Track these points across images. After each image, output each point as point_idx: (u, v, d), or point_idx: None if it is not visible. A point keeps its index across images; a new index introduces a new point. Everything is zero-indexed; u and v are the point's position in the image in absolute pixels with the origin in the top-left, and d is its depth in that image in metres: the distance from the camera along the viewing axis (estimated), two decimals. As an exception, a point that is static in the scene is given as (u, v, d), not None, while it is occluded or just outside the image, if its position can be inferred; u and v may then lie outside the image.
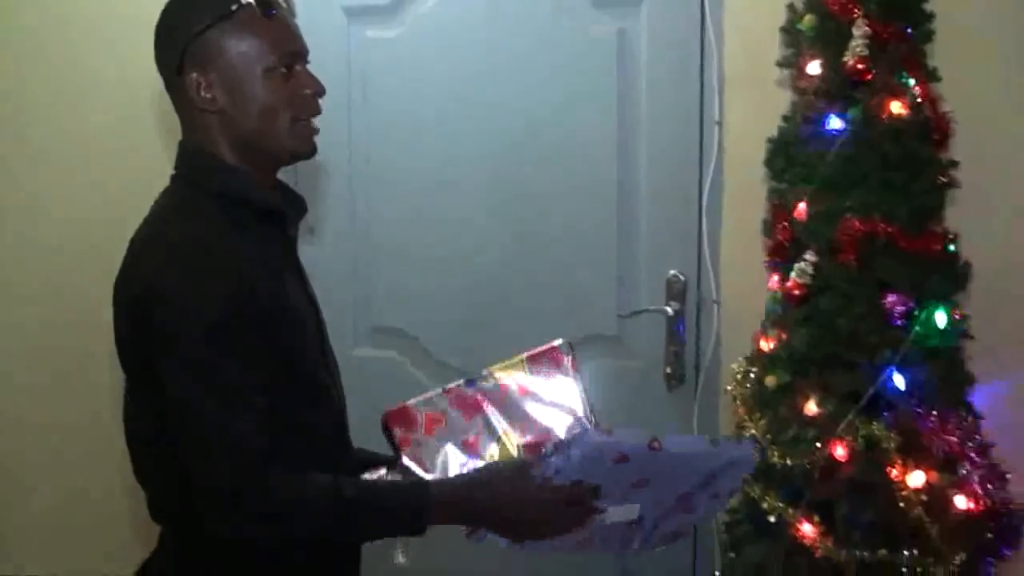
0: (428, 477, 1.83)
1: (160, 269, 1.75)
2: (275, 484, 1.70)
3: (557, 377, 1.92)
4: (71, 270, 3.43)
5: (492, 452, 1.84)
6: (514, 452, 1.85)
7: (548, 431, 1.88)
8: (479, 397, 1.88)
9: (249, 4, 1.82)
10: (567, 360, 1.94)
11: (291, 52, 1.86)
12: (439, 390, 1.89)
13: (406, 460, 1.83)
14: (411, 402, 1.88)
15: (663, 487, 1.81)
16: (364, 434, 2.03)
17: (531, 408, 1.89)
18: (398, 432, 1.84)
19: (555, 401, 1.90)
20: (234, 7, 1.81)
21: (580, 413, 1.90)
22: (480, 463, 1.85)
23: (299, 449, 1.84)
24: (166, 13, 1.87)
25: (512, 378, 1.90)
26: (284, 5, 1.89)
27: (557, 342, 1.95)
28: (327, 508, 1.72)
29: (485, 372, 1.91)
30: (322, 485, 1.73)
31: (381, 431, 1.92)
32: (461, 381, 1.90)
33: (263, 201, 1.88)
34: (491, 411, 1.87)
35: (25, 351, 3.60)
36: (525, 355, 1.93)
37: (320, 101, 1.91)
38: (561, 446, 1.71)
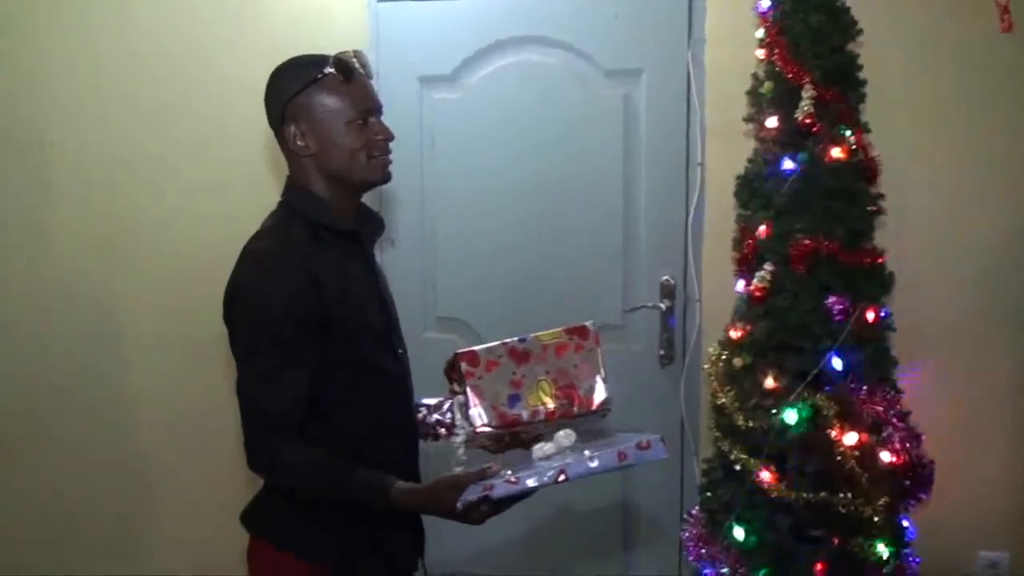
0: (479, 409, 1.81)
1: (243, 273, 1.75)
2: (281, 449, 1.71)
3: (585, 345, 1.89)
4: (206, 269, 3.06)
5: (531, 391, 1.83)
6: (548, 394, 1.84)
7: (574, 383, 1.86)
8: (527, 351, 1.86)
9: (332, 72, 1.78)
10: (592, 334, 1.91)
11: (367, 108, 1.81)
12: (498, 343, 1.87)
13: (469, 388, 1.81)
14: (477, 348, 1.86)
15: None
16: (433, 393, 2.00)
17: (563, 364, 1.87)
18: (465, 366, 1.82)
19: (582, 361, 1.88)
20: (319, 76, 1.78)
21: (600, 371, 1.87)
22: (520, 397, 1.83)
23: (365, 405, 1.83)
24: (270, 79, 1.85)
25: (552, 342, 1.88)
26: (361, 70, 1.83)
27: (588, 323, 1.93)
28: (312, 477, 1.72)
29: (533, 336, 1.88)
30: (315, 460, 1.72)
31: (443, 372, 1.89)
32: (515, 339, 1.87)
33: (337, 224, 1.84)
34: (534, 362, 1.85)
35: (158, 337, 3.31)
36: (563, 328, 1.91)
37: (390, 144, 1.86)
38: (486, 496, 1.63)
